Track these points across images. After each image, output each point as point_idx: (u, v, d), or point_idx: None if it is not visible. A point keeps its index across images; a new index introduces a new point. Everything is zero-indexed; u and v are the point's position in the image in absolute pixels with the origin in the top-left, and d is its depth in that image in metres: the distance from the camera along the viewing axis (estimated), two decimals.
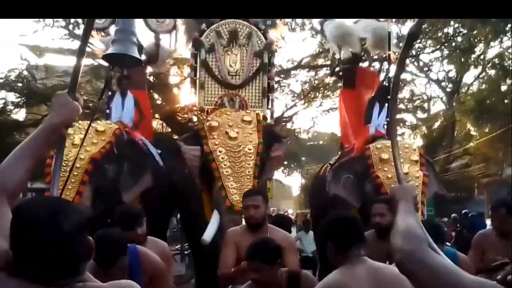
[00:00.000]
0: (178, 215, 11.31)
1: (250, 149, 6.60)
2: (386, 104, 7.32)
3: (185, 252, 12.04)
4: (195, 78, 8.12)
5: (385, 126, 7.37)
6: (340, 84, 10.92)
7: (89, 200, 6.23)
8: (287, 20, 14.35)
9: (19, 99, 13.95)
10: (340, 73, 9.32)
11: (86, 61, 15.03)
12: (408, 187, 1.93)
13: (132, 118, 7.54)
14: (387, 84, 7.61)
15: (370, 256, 2.66)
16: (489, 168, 23.88)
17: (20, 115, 15.08)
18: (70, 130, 6.95)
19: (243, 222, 6.18)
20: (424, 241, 1.53)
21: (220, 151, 6.58)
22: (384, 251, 3.83)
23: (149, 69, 9.42)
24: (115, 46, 2.91)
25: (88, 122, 7.08)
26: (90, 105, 12.74)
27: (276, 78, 15.62)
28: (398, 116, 25.62)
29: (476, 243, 4.96)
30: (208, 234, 6.18)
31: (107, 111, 7.71)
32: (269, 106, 8.20)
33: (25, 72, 14.53)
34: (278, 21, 8.33)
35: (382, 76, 8.28)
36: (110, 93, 7.69)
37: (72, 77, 2.13)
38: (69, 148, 6.29)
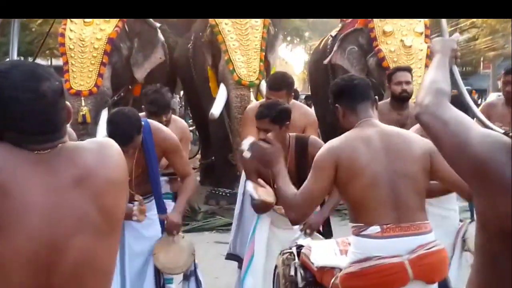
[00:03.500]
0: (182, 92, 11.35)
1: (256, 22, 6.47)
2: None
3: (190, 129, 12.24)
4: None
5: None
6: None
7: (108, 80, 6.31)
8: None
9: None
10: None
11: None
12: (448, 40, 1.92)
13: None
14: None
15: None
16: (495, 42, 23.46)
17: None
18: None
19: (252, 97, 6.23)
20: (444, 95, 1.57)
21: (226, 23, 6.44)
22: (399, 121, 3.88)
23: None
24: None
25: None
26: None
27: None
28: None
29: (483, 110, 4.99)
30: (216, 109, 6.29)
31: None
32: None
33: None
34: None
35: None
36: None
37: None
38: (81, 25, 6.23)
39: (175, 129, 3.80)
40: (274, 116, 3.18)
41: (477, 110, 2.05)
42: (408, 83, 4.17)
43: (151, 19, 7.39)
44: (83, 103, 6.03)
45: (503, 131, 1.70)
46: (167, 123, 3.87)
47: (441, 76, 1.67)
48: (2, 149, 1.36)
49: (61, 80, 1.48)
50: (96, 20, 6.30)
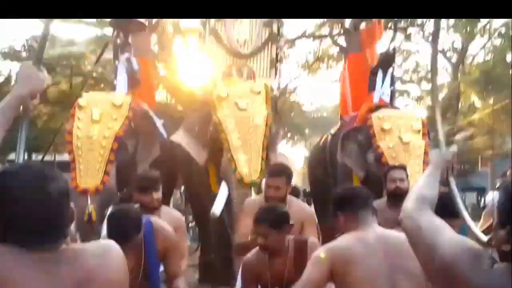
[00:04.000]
0: (182, 188, 11.36)
1: (260, 121, 6.60)
2: (390, 71, 7.35)
3: (189, 225, 12.14)
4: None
5: (389, 95, 7.39)
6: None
7: (114, 178, 6.34)
8: None
9: None
10: (343, 41, 9.29)
11: (92, 31, 14.94)
12: (444, 153, 2.02)
13: (126, 83, 7.36)
14: (391, 51, 7.60)
15: (381, 225, 2.74)
16: (493, 141, 23.79)
17: None
18: (83, 103, 7.00)
19: (253, 195, 6.22)
20: (425, 202, 1.66)
21: (229, 122, 6.57)
22: (395, 219, 3.90)
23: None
24: None
25: (99, 92, 7.06)
26: (94, 74, 12.73)
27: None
28: (402, 87, 25.56)
29: (489, 213, 5.12)
30: (217, 207, 6.19)
31: (115, 81, 7.64)
32: (277, 77, 8.13)
33: (30, 42, 14.50)
34: None
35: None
36: (117, 62, 7.56)
37: (38, 48, 2.14)
38: (88, 123, 6.34)
39: (169, 218, 3.80)
40: (272, 221, 3.17)
41: (467, 216, 2.13)
42: (402, 180, 4.29)
43: (154, 116, 7.55)
44: (89, 202, 5.97)
45: (486, 239, 1.76)
46: (157, 203, 3.88)
47: (428, 185, 1.79)
48: (3, 249, 1.37)
49: (67, 181, 1.52)
50: (104, 119, 6.41)
